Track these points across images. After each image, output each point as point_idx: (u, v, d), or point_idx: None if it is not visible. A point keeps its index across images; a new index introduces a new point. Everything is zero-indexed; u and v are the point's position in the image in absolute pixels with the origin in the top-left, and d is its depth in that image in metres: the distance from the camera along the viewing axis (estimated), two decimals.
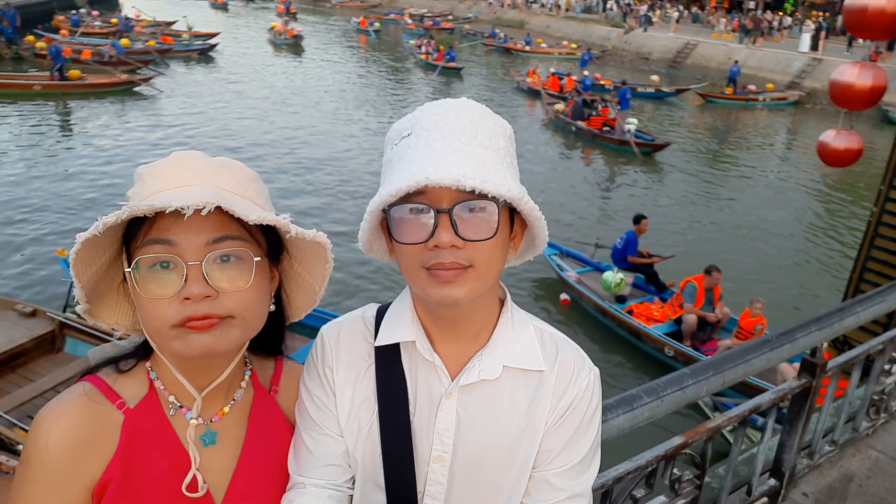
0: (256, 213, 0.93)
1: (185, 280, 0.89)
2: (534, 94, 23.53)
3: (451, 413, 1.00)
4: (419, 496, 1.02)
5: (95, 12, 33.81)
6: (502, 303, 1.07)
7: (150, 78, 20.90)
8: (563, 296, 9.24)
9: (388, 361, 1.03)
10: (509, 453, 1.01)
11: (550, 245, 9.73)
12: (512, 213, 0.97)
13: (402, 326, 1.03)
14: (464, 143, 0.92)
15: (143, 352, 1.02)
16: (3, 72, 19.93)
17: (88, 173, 13.38)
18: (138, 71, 21.36)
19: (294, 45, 31.68)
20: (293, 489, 1.02)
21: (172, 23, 32.68)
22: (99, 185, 12.71)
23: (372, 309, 1.09)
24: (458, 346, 1.02)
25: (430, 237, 0.89)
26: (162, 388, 1.01)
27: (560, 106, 20.14)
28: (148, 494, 0.96)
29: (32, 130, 16.12)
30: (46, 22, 28.78)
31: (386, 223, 0.95)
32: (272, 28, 33.86)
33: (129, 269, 0.91)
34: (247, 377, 1.08)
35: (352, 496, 1.05)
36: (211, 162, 1.00)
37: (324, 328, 1.08)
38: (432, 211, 0.89)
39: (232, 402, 1.05)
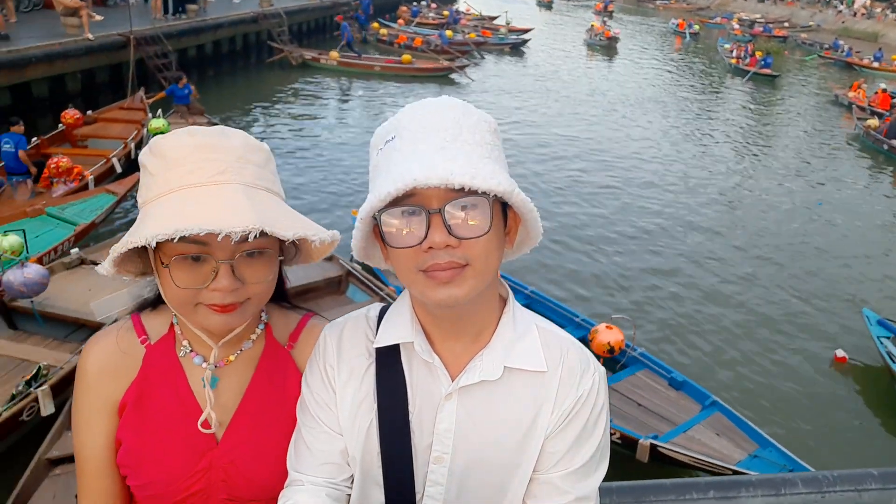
0: (292, 230, 0.99)
1: (216, 275, 0.99)
2: (852, 108, 20.30)
3: (451, 414, 0.99)
4: (419, 496, 1.02)
5: (433, 4, 37.67)
6: (505, 302, 1.04)
7: (465, 66, 22.70)
8: (840, 353, 7.88)
9: (388, 362, 1.03)
10: (511, 455, 1.00)
11: (882, 324, 7.94)
12: (505, 207, 0.95)
13: (400, 327, 1.03)
14: (448, 140, 0.90)
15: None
16: (354, 53, 23.36)
17: None
18: (456, 60, 23.30)
19: (607, 47, 31.39)
20: (291, 486, 1.06)
21: (495, 18, 34.90)
22: None
23: (375, 308, 1.10)
24: (459, 347, 1.01)
25: (423, 239, 0.88)
26: (179, 332, 1.14)
27: (873, 122, 17.13)
28: (155, 421, 1.11)
29: (368, 104, 18.79)
30: (393, 12, 32.98)
31: (379, 229, 0.94)
32: (591, 27, 33.87)
33: (166, 266, 1.00)
34: (258, 330, 1.17)
35: (350, 495, 1.06)
36: (233, 147, 1.04)
37: (327, 327, 1.10)
38: (423, 212, 0.88)
39: (238, 352, 1.15)
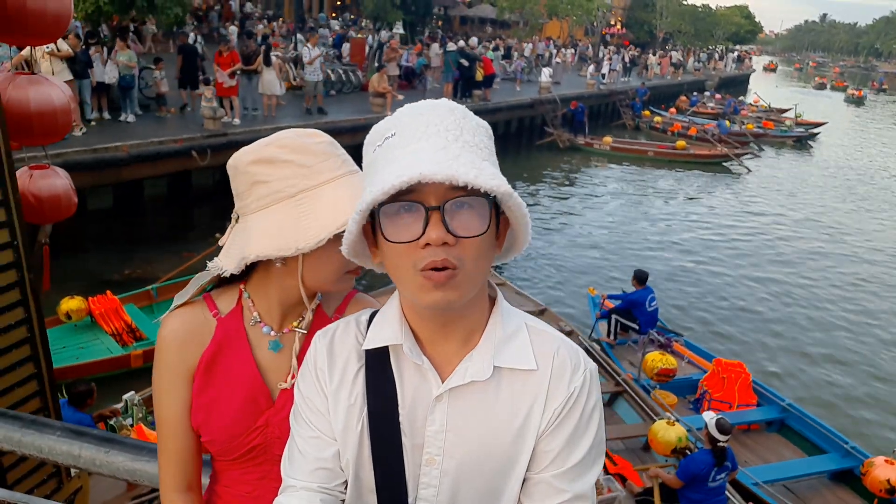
0: None
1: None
2: None
3: (441, 415, 1.00)
4: (411, 499, 1.01)
5: (718, 95, 36.32)
6: (493, 302, 1.04)
7: (742, 154, 21.46)
8: None
9: (378, 365, 1.03)
10: (503, 455, 1.00)
11: None
12: (495, 211, 0.95)
13: (389, 329, 1.02)
14: (450, 140, 0.92)
15: (237, 278, 1.28)
16: (626, 139, 23.60)
17: (659, 229, 14.71)
18: (733, 148, 22.10)
19: None
20: (285, 491, 1.04)
21: (785, 110, 32.45)
22: (660, 243, 13.75)
23: (366, 313, 1.09)
24: (449, 349, 1.01)
25: (420, 235, 0.88)
26: (251, 305, 1.27)
27: None
28: (222, 382, 1.24)
29: (639, 186, 18.73)
30: (671, 101, 32.56)
31: (370, 226, 0.95)
32: None
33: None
34: (317, 301, 1.30)
35: (343, 500, 1.05)
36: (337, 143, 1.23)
37: (318, 332, 1.10)
38: (422, 209, 0.88)
39: (300, 320, 1.27)
